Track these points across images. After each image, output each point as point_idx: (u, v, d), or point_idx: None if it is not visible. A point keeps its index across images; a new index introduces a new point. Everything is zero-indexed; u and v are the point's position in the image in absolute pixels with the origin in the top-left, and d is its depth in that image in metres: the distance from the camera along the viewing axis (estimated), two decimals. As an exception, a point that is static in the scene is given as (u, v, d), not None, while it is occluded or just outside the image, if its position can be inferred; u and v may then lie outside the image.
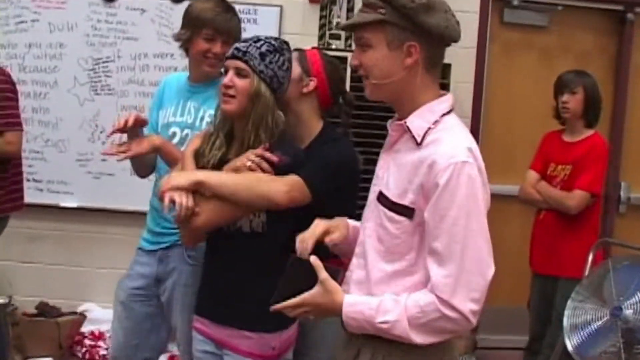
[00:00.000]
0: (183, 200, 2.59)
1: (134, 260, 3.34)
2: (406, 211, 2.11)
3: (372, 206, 2.25)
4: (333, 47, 5.17)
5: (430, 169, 2.05)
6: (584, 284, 3.75)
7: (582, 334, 3.59)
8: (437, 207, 2.04)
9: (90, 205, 5.18)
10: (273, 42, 2.74)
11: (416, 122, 2.15)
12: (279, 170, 2.62)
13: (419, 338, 2.05)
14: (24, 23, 5.21)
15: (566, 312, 3.67)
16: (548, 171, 4.48)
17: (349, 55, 4.90)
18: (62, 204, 5.24)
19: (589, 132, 4.45)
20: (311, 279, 2.15)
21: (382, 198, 2.19)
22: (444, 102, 2.20)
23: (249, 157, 2.63)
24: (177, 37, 3.25)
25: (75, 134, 5.23)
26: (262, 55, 2.67)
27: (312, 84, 3.00)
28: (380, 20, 2.14)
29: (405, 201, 2.12)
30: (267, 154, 2.63)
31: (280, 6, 5.28)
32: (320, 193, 2.69)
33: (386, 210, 2.16)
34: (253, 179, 2.61)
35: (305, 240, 2.32)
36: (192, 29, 3.17)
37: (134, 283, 3.28)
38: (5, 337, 4.20)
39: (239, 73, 2.66)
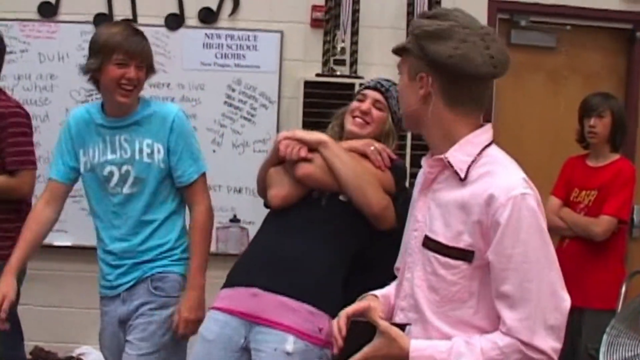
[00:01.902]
0: (302, 152, 2.80)
1: (102, 311, 3.28)
2: (464, 254, 1.97)
3: (415, 253, 2.09)
4: (338, 73, 5.03)
5: (488, 206, 1.92)
6: (619, 318, 3.60)
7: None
8: (501, 246, 1.91)
9: (85, 244, 4.91)
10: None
11: (457, 156, 2.02)
12: (392, 168, 2.86)
13: None
14: (13, 54, 5.00)
15: (602, 349, 3.52)
16: (571, 197, 4.36)
17: (355, 81, 4.82)
18: (56, 243, 5.02)
19: (615, 157, 4.35)
20: (370, 335, 2.05)
21: (430, 243, 2.03)
22: (483, 133, 2.07)
23: (373, 144, 2.86)
24: (86, 68, 3.11)
25: None
26: (396, 100, 2.84)
27: None
28: (404, 48, 2.08)
29: (461, 244, 1.97)
30: (388, 150, 2.89)
31: (281, 31, 5.16)
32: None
33: (438, 256, 2.00)
34: (367, 174, 2.78)
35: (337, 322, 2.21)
36: (102, 56, 3.05)
37: (110, 335, 3.22)
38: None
39: (376, 105, 2.93)
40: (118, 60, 3.03)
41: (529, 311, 1.89)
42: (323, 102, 4.74)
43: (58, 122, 5.04)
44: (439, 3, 5.03)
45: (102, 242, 3.21)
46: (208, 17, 5.17)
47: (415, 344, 1.98)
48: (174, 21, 5.13)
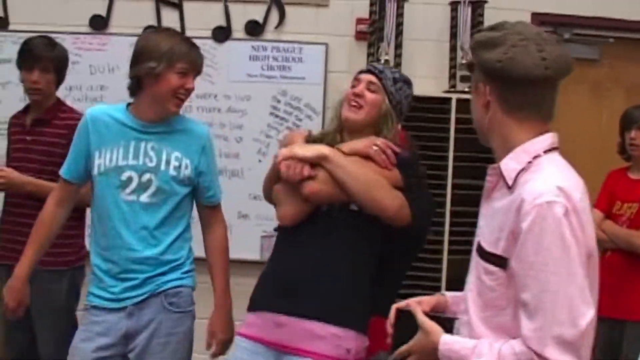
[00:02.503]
0: (305, 170, 2.71)
1: (88, 321, 3.12)
2: (499, 261, 1.98)
3: (473, 259, 2.13)
4: (381, 84, 5.02)
5: (518, 213, 1.92)
6: None
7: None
8: (522, 254, 1.91)
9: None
10: (405, 76, 2.91)
11: (510, 164, 2.02)
12: (398, 163, 2.74)
13: None
14: (64, 63, 5.15)
15: None
16: (613, 210, 4.34)
17: (398, 93, 4.84)
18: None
19: None
20: (415, 329, 2.13)
21: (479, 249, 2.07)
22: (542, 141, 2.04)
23: (375, 142, 2.74)
24: (143, 71, 3.02)
25: None
26: (395, 80, 2.82)
27: None
28: (471, 63, 2.15)
29: (498, 250, 1.99)
30: (392, 145, 2.75)
31: (326, 44, 5.20)
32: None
33: (482, 262, 2.04)
34: (373, 179, 2.70)
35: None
36: (165, 62, 2.98)
37: (95, 345, 3.04)
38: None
39: (370, 88, 2.80)
40: (182, 69, 3.00)
41: (542, 322, 1.86)
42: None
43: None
44: (482, 15, 5.04)
45: (103, 250, 3.10)
46: (254, 29, 5.24)
47: (445, 338, 2.04)
48: (221, 34, 5.21)
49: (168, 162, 3.06)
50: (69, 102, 4.94)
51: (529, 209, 1.89)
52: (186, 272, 3.16)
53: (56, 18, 5.20)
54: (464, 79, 5.02)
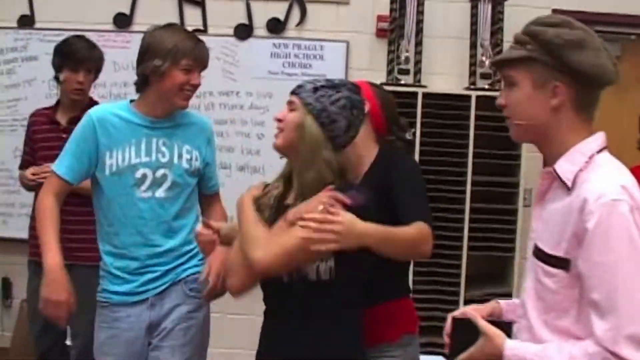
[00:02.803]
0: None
1: (110, 319, 3.15)
2: (561, 263, 1.99)
3: (529, 262, 2.14)
4: (402, 82, 5.08)
5: (581, 213, 1.93)
6: None
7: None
8: (589, 254, 1.91)
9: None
10: (335, 80, 2.59)
11: (565, 166, 2.03)
12: (356, 212, 2.36)
13: None
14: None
15: None
16: None
17: (418, 90, 4.89)
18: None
19: None
20: (475, 336, 2.10)
21: (537, 252, 2.07)
22: (594, 140, 2.06)
23: (321, 200, 2.38)
24: (149, 69, 3.04)
25: None
26: (315, 90, 2.50)
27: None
28: (527, 57, 2.06)
29: (560, 252, 1.99)
30: (339, 196, 2.38)
31: (347, 42, 5.25)
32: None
33: (542, 265, 2.04)
34: (391, 233, 2.45)
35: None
36: (170, 59, 3.01)
37: (123, 340, 3.12)
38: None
39: (290, 108, 2.53)
40: (186, 65, 3.03)
41: (616, 321, 1.87)
42: (388, 111, 4.85)
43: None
44: (502, 13, 5.05)
45: (118, 249, 3.12)
46: (276, 27, 5.30)
47: (510, 344, 2.03)
48: (243, 31, 5.26)
49: (180, 156, 3.12)
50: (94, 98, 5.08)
51: (593, 208, 1.89)
52: (201, 260, 3.17)
53: (81, 16, 5.29)
54: (484, 76, 5.03)
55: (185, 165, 3.13)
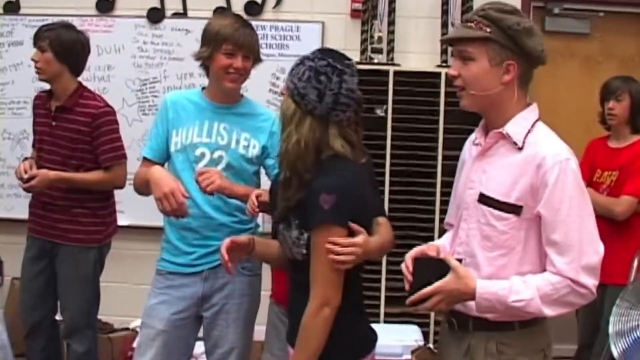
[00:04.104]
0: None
1: (164, 285, 3.31)
2: (513, 208, 2.35)
3: (470, 208, 2.47)
4: (375, 61, 5.22)
5: (539, 168, 2.31)
6: (629, 290, 3.68)
7: (627, 340, 3.56)
8: (550, 202, 2.30)
9: (141, 224, 5.26)
10: (307, 54, 2.55)
11: (513, 129, 2.40)
12: (329, 215, 2.43)
13: (551, 312, 2.30)
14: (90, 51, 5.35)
15: (611, 319, 3.62)
16: (594, 178, 4.45)
17: (390, 68, 5.02)
18: (114, 223, 5.35)
19: (635, 138, 4.41)
20: (439, 273, 2.33)
21: (485, 199, 2.41)
22: (533, 110, 2.47)
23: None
24: (198, 56, 3.26)
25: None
26: (292, 70, 2.54)
27: None
28: (486, 38, 2.37)
29: (511, 199, 2.35)
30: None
31: (322, 22, 5.37)
32: None
33: (492, 210, 2.39)
34: (381, 241, 2.61)
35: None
36: (212, 45, 3.19)
37: (174, 308, 3.28)
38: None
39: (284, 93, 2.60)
40: (227, 50, 3.16)
41: (574, 255, 2.27)
42: (361, 89, 4.96)
43: (115, 110, 5.37)
44: (473, -8, 5.19)
45: (179, 220, 3.21)
46: (253, 9, 5.42)
47: (481, 283, 2.32)
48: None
49: (238, 142, 3.28)
50: (78, 82, 5.20)
51: (551, 165, 2.30)
52: None
53: (64, 2, 5.41)
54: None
55: (241, 150, 3.28)
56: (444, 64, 5.17)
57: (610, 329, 3.61)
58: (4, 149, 5.31)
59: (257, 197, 3.05)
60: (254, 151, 3.30)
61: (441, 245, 2.58)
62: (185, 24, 5.35)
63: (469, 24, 2.42)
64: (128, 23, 5.41)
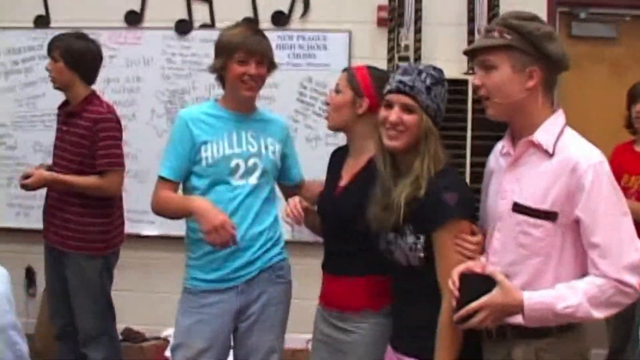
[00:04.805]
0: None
1: (198, 304, 3.28)
2: (549, 215, 2.37)
3: (504, 217, 2.47)
4: (402, 69, 5.20)
5: (573, 173, 2.33)
6: None
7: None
8: (588, 205, 2.32)
9: (171, 234, 5.23)
10: (434, 73, 2.67)
11: (544, 136, 2.42)
12: (456, 211, 2.55)
13: (599, 314, 2.33)
14: (103, 60, 5.39)
15: None
16: (622, 183, 4.40)
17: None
18: (144, 233, 5.44)
19: None
20: (485, 288, 2.36)
21: (519, 207, 2.43)
22: (560, 116, 2.48)
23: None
24: (212, 68, 3.29)
25: (154, 164, 5.22)
26: (428, 89, 2.62)
27: (365, 104, 2.98)
28: (506, 45, 2.40)
29: (546, 206, 2.37)
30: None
31: (349, 31, 5.39)
32: None
33: (527, 218, 2.40)
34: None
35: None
36: (225, 55, 3.22)
37: (213, 326, 3.26)
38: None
39: (405, 108, 2.62)
40: (240, 58, 3.18)
41: (615, 256, 2.30)
42: (389, 97, 5.01)
43: (144, 121, 5.46)
44: (498, -1, 5.21)
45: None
46: (280, 19, 5.45)
47: (528, 294, 2.34)
48: (249, 25, 5.42)
49: (266, 147, 3.32)
50: (107, 94, 5.22)
51: (586, 168, 2.31)
52: (283, 247, 3.41)
53: (94, 15, 5.48)
54: (481, 61, 5.17)
55: (271, 156, 3.33)
56: (471, 72, 5.15)
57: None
58: (36, 161, 5.35)
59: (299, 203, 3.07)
60: (278, 156, 3.36)
61: (484, 260, 2.58)
62: (213, 35, 5.16)
63: (489, 33, 2.46)
64: (156, 35, 5.47)
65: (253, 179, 3.27)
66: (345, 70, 3.14)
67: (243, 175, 3.26)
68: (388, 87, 2.69)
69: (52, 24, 5.56)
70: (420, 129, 2.61)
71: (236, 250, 3.21)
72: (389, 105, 2.66)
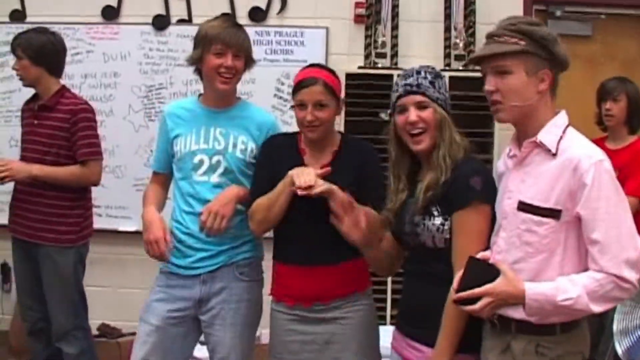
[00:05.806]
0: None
1: (164, 284, 3.37)
2: (553, 213, 2.42)
3: (509, 216, 2.53)
4: (379, 65, 5.27)
5: (575, 171, 2.39)
6: None
7: (632, 338, 3.60)
8: (589, 202, 2.37)
9: (148, 229, 5.27)
10: (430, 69, 2.82)
11: (547, 137, 2.48)
12: (481, 194, 2.63)
13: (597, 308, 2.36)
14: (79, 54, 5.43)
15: (616, 317, 3.67)
16: None
17: (394, 72, 5.04)
18: (121, 228, 5.42)
19: (632, 138, 4.49)
20: (489, 276, 2.43)
21: (524, 206, 2.48)
22: (563, 116, 2.55)
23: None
24: (190, 60, 3.32)
25: (131, 160, 5.39)
26: (432, 84, 2.75)
27: (342, 104, 3.22)
28: (523, 50, 2.46)
29: (550, 204, 2.42)
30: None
31: (327, 27, 5.41)
32: None
33: (532, 216, 2.46)
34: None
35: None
36: (202, 47, 3.24)
37: (171, 306, 3.31)
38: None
39: (420, 106, 2.72)
40: (216, 50, 3.20)
41: (615, 252, 2.35)
42: (365, 93, 5.07)
43: (121, 116, 5.44)
44: (474, -4, 5.24)
45: (181, 224, 3.33)
46: (258, 15, 5.47)
47: (529, 285, 2.41)
48: (227, 20, 5.42)
49: (235, 145, 3.29)
50: (84, 89, 5.25)
51: (587, 167, 2.36)
52: (254, 245, 3.39)
53: (70, 10, 5.48)
54: (458, 57, 5.23)
55: (239, 154, 3.29)
56: (447, 68, 5.22)
57: (615, 327, 3.65)
58: (12, 156, 5.32)
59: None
60: (251, 155, 3.31)
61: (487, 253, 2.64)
62: (190, 30, 5.30)
63: (499, 38, 2.51)
64: (134, 30, 5.47)
65: (215, 177, 3.29)
66: (312, 81, 3.11)
67: (206, 172, 3.29)
68: (396, 94, 2.79)
69: (28, 19, 5.54)
70: (437, 122, 2.71)
71: (200, 242, 3.28)
72: (404, 110, 2.75)
